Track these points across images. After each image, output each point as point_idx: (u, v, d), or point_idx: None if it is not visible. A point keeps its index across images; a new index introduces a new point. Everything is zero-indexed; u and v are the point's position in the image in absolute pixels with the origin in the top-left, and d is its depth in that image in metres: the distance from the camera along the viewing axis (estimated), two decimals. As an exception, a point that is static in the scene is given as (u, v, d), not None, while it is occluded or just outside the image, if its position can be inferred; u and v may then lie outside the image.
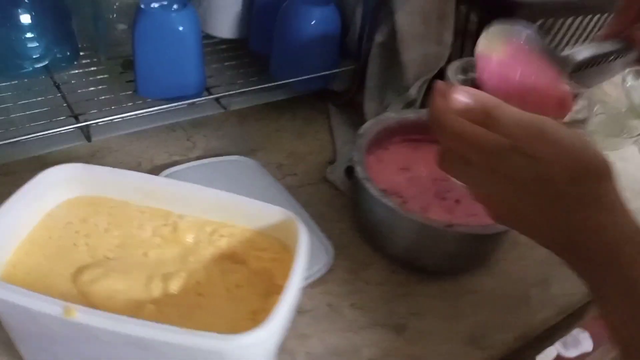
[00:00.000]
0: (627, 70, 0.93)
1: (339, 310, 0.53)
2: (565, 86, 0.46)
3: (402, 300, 0.55)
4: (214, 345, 0.34)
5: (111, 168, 0.46)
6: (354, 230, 0.61)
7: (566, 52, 0.48)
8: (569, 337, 1.13)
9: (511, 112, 0.37)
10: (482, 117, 0.37)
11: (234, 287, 0.42)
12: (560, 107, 0.47)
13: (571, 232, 0.37)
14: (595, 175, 0.37)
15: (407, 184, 0.60)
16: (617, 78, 0.95)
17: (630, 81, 0.91)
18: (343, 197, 0.66)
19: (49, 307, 0.34)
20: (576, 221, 0.37)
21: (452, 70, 0.58)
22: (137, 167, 0.65)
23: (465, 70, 0.60)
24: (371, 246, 0.60)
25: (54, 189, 0.45)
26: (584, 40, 0.70)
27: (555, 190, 0.36)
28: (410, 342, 0.51)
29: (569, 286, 0.60)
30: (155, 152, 0.68)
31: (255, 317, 0.41)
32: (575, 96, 0.49)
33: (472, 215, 0.58)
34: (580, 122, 0.51)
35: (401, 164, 0.63)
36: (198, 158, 0.68)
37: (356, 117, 0.74)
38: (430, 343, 0.52)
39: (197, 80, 0.67)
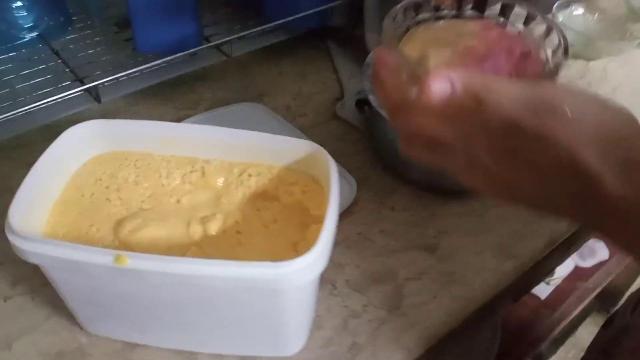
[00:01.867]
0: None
1: (370, 237, 0.54)
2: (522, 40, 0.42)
3: (430, 222, 0.56)
4: (266, 274, 0.35)
5: (130, 120, 0.46)
6: (372, 162, 0.62)
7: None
8: (585, 248, 1.15)
9: (505, 91, 0.29)
10: (471, 104, 0.29)
11: (271, 222, 0.43)
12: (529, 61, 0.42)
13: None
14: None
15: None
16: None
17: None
18: (356, 131, 0.66)
19: (100, 257, 0.35)
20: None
21: (392, 17, 0.41)
22: (147, 126, 0.65)
23: (416, 8, 0.43)
24: (392, 174, 0.60)
25: (76, 149, 0.45)
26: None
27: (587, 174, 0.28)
28: (443, 259, 0.53)
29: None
30: (163, 108, 0.68)
31: (296, 248, 0.41)
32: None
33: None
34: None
35: (411, 90, 0.63)
36: (206, 109, 0.67)
37: (358, 51, 0.73)
38: (463, 258, 0.53)
39: (194, 29, 0.66)
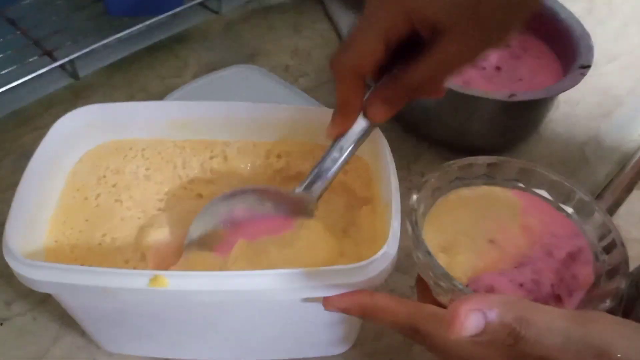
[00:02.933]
0: None
1: (405, 210, 0.49)
2: None
3: (464, 186, 0.51)
4: (337, 278, 0.29)
5: (130, 102, 0.39)
6: (391, 123, 0.55)
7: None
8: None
9: (547, 327, 0.25)
10: (508, 340, 0.25)
11: None
12: None
13: None
14: None
15: (440, 60, 0.54)
16: None
17: None
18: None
19: (131, 280, 0.28)
20: None
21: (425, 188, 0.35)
22: (131, 100, 0.57)
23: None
24: (414, 136, 0.55)
25: (70, 143, 0.37)
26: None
27: None
28: (485, 227, 0.48)
29: (620, 137, 0.57)
30: (146, 79, 0.59)
31: (347, 234, 0.36)
32: None
33: (517, 81, 0.53)
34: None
35: (427, 39, 0.57)
36: (195, 76, 0.59)
37: (354, -2, 0.66)
38: (505, 223, 0.49)
39: (174, -15, 0.57)
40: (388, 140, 0.54)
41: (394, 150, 0.53)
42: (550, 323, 0.25)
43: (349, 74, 0.32)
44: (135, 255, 0.34)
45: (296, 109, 0.39)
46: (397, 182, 0.34)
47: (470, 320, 0.25)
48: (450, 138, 0.52)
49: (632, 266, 0.32)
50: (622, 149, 0.56)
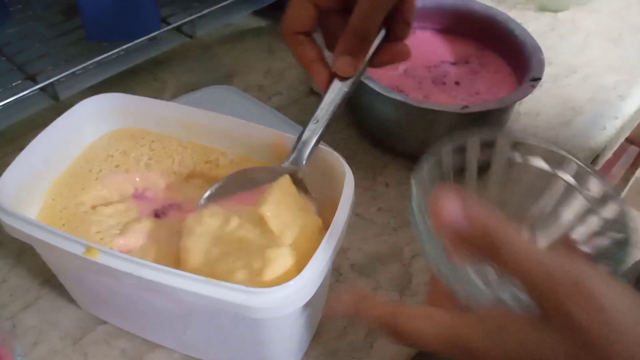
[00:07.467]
0: None
1: (368, 217, 0.52)
2: None
3: (426, 194, 0.54)
4: (241, 300, 0.30)
5: (151, 99, 0.43)
6: (358, 137, 0.59)
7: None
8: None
9: (526, 248, 0.24)
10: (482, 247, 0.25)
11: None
12: None
13: None
14: None
15: (402, 76, 0.58)
16: None
17: None
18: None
19: (72, 245, 0.32)
20: None
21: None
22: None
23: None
24: (381, 148, 0.58)
25: (92, 121, 0.42)
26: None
27: None
28: (446, 232, 0.51)
29: (577, 144, 0.60)
30: (126, 100, 0.62)
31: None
32: None
33: (475, 94, 0.56)
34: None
35: (391, 57, 0.60)
36: (173, 97, 0.62)
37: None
38: (465, 228, 0.51)
39: (151, 11, 0.60)
40: (355, 153, 0.57)
41: (360, 162, 0.56)
42: (523, 242, 0.24)
43: (293, 35, 0.38)
44: (110, 231, 0.37)
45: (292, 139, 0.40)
46: (348, 213, 0.36)
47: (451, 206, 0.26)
48: (413, 149, 0.55)
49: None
50: (579, 156, 0.59)
